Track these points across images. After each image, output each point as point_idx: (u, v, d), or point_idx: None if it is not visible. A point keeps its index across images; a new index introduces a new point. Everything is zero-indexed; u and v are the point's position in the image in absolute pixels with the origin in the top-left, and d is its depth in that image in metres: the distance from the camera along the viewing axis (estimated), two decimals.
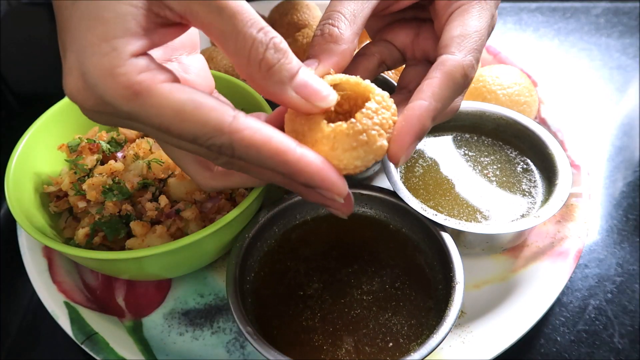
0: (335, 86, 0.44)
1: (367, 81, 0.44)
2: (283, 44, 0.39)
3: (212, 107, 0.37)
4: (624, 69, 0.99)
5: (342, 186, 0.41)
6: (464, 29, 0.47)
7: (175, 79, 0.38)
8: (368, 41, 0.57)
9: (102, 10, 0.35)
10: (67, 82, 0.38)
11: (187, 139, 0.38)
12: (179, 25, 0.40)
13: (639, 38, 1.06)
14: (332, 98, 0.41)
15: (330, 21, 0.46)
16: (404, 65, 0.57)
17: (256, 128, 0.38)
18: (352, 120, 0.41)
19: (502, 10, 1.14)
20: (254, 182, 0.51)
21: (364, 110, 0.41)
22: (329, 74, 0.45)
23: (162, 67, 0.38)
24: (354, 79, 0.44)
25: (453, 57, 0.46)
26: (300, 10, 0.93)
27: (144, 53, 0.37)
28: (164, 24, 0.39)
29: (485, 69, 0.79)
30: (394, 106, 0.44)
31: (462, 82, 0.46)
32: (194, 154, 0.45)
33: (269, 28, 0.38)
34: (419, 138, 0.44)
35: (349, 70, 0.52)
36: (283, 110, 0.46)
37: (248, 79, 0.40)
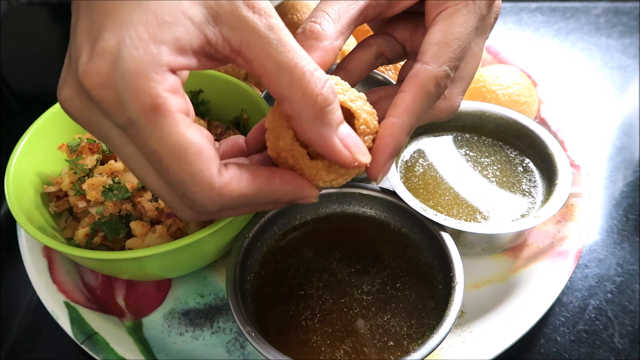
0: None
1: (356, 104, 0.44)
2: (334, 88, 0.39)
3: (211, 158, 0.37)
4: (624, 69, 0.99)
5: (315, 192, 0.44)
6: (444, 36, 0.47)
7: (189, 112, 0.37)
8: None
9: (164, 11, 0.34)
10: (92, 64, 0.35)
11: (172, 179, 0.36)
12: (214, 61, 0.39)
13: (639, 38, 1.06)
14: (368, 157, 0.42)
15: (312, 19, 0.45)
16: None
17: (237, 177, 0.39)
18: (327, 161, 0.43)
19: (502, 10, 1.13)
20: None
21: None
22: None
23: (184, 95, 0.37)
24: (341, 99, 0.44)
25: (427, 68, 0.46)
26: (300, 10, 0.93)
27: (176, 71, 0.36)
28: (207, 54, 0.38)
29: (485, 69, 0.79)
30: (376, 123, 0.45)
31: (435, 93, 0.46)
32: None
33: (323, 72, 0.39)
34: (394, 154, 0.45)
35: (344, 59, 0.52)
36: (260, 127, 0.48)
37: (296, 114, 0.39)
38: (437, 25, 0.47)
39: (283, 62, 0.37)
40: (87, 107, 0.37)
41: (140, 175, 0.39)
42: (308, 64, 0.38)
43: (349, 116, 0.44)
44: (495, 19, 0.53)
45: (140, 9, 0.34)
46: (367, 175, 0.45)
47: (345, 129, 0.40)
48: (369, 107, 0.45)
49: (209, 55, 0.38)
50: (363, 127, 0.44)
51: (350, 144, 0.40)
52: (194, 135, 0.36)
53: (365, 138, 0.44)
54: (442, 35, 0.47)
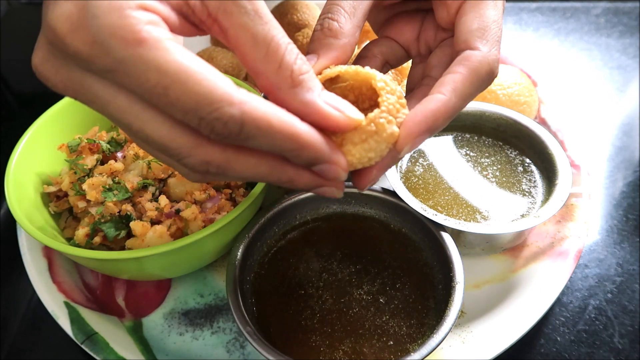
0: (337, 78, 0.44)
1: (367, 68, 0.43)
2: (305, 60, 0.38)
3: (220, 77, 0.33)
4: (624, 69, 0.99)
5: (345, 161, 0.40)
6: (482, 21, 0.45)
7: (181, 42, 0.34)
8: (368, 41, 0.56)
9: None
10: (57, 7, 0.32)
11: (184, 107, 0.32)
12: (193, 28, 0.37)
13: (639, 38, 1.06)
14: (361, 115, 0.39)
15: (329, 15, 0.45)
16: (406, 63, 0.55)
17: (262, 101, 0.35)
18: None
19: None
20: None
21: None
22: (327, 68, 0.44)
23: (167, 28, 0.34)
24: (353, 68, 0.43)
25: (478, 53, 0.43)
26: (300, 10, 0.93)
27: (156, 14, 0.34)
28: (184, 14, 0.36)
29: None
30: (399, 88, 0.42)
31: (487, 79, 0.44)
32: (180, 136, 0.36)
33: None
34: (430, 132, 0.42)
35: None
36: None
37: (274, 88, 0.37)
38: (469, 14, 0.46)
39: (259, 35, 0.35)
40: (65, 65, 0.35)
41: (139, 125, 0.35)
42: (283, 37, 0.36)
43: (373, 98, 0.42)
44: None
45: None
46: (395, 145, 0.41)
47: (328, 94, 0.39)
48: (391, 80, 0.42)
49: (187, 16, 0.36)
50: (381, 83, 0.41)
51: (338, 104, 0.38)
52: (194, 59, 0.33)
53: (389, 96, 0.40)
54: (479, 21, 0.45)
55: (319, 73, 0.44)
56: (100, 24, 0.31)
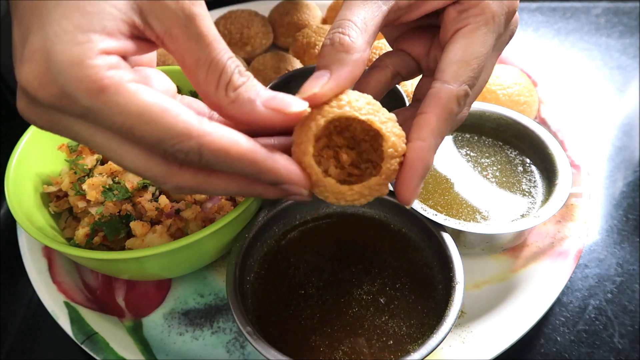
0: (348, 126, 0.45)
1: (386, 125, 0.43)
2: (246, 71, 0.40)
3: (179, 112, 0.36)
4: (624, 69, 0.99)
5: (307, 180, 0.43)
6: (464, 55, 0.46)
7: (143, 81, 0.37)
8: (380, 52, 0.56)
9: (85, 3, 0.35)
10: (25, 68, 0.36)
11: (149, 142, 0.36)
12: (151, 43, 0.40)
13: (639, 38, 1.06)
14: (301, 104, 0.41)
15: (340, 30, 0.44)
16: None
17: (222, 131, 0.38)
18: (357, 186, 0.43)
19: None
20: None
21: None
22: (342, 92, 0.44)
23: (130, 69, 0.37)
24: (369, 118, 0.43)
25: (448, 88, 0.45)
26: (300, 10, 0.94)
27: (112, 54, 0.36)
28: (138, 37, 0.38)
29: None
30: (404, 146, 0.45)
31: (457, 111, 0.46)
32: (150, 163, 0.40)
33: (235, 57, 0.40)
34: (424, 177, 0.45)
35: (361, 82, 0.51)
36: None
37: (215, 106, 0.40)
38: (456, 43, 0.47)
39: (200, 59, 0.38)
40: (44, 112, 0.38)
41: (118, 159, 0.39)
42: (223, 56, 0.39)
43: (377, 136, 0.44)
44: (511, 36, 0.52)
45: (62, 6, 0.35)
46: (399, 200, 0.45)
47: (268, 93, 0.41)
48: (398, 130, 0.44)
49: (141, 38, 0.38)
50: (391, 150, 0.43)
51: (277, 104, 0.40)
52: (155, 96, 0.36)
53: (392, 161, 0.44)
54: (462, 54, 0.46)
55: (334, 96, 0.44)
56: (64, 78, 0.34)
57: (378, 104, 0.45)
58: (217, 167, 0.39)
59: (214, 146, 0.37)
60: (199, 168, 0.40)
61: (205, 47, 0.38)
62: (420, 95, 0.53)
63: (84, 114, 0.36)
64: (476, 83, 0.48)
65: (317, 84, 0.42)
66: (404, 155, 0.45)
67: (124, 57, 0.37)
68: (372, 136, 0.45)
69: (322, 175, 0.43)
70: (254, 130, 0.42)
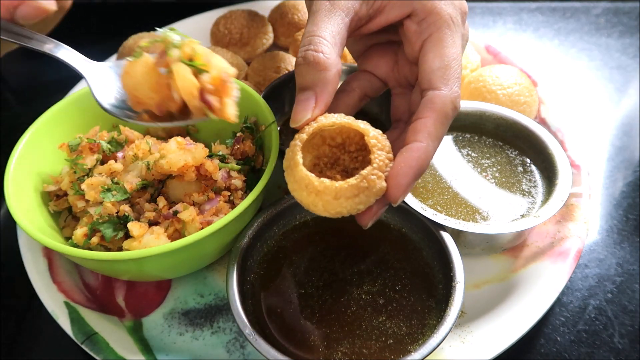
0: (331, 126, 0.48)
1: (360, 122, 0.46)
2: None
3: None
4: (624, 69, 0.99)
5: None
6: (442, 61, 0.48)
7: None
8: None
9: None
10: None
11: None
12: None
13: (639, 38, 1.06)
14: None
15: (312, 47, 0.46)
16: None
17: None
18: (352, 179, 0.44)
19: (502, 10, 1.14)
20: None
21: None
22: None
23: None
24: (347, 121, 0.46)
25: (441, 93, 0.47)
26: (300, 10, 0.93)
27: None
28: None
29: (486, 69, 0.79)
30: (387, 143, 0.46)
31: (452, 115, 0.48)
32: None
33: None
34: (417, 178, 0.45)
35: (331, 106, 0.52)
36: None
37: None
38: (430, 53, 0.48)
39: None
40: None
41: None
42: None
43: (365, 145, 0.47)
44: (467, 38, 0.55)
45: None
46: (387, 196, 0.45)
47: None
48: (379, 131, 0.47)
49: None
50: (373, 140, 0.45)
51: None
52: None
53: (379, 152, 0.45)
54: (440, 61, 0.48)
55: (313, 119, 0.47)
56: None
57: (352, 117, 0.48)
58: None
59: None
60: None
61: None
62: (397, 115, 0.55)
63: None
64: (460, 84, 0.49)
65: (307, 110, 0.45)
66: (391, 153, 0.46)
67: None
68: (361, 146, 0.48)
69: (317, 177, 0.45)
70: None
